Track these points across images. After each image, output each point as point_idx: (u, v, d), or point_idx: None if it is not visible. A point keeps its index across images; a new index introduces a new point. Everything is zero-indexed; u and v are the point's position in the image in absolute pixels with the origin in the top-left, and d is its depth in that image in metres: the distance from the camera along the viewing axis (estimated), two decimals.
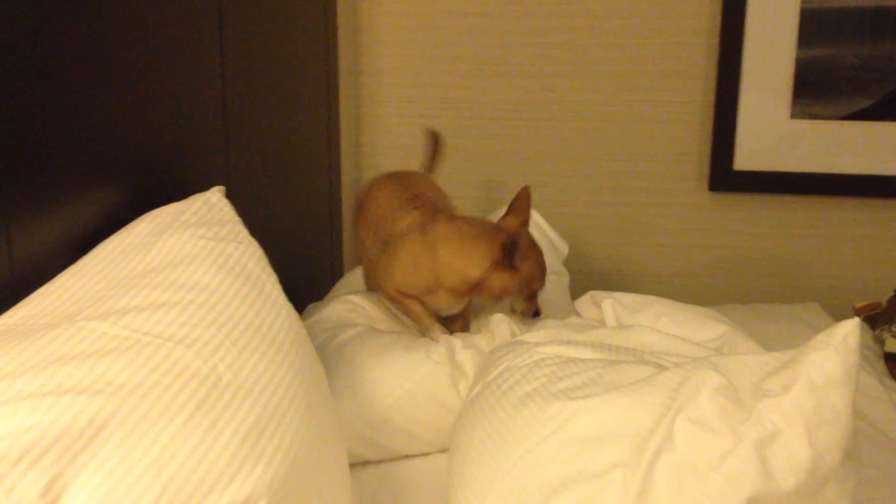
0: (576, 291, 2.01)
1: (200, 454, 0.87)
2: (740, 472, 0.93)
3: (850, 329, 0.95)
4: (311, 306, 1.80)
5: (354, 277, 1.94)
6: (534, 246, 1.57)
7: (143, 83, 1.30)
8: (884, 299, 2.06)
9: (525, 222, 1.61)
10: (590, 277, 2.36)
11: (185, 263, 1.09)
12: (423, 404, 1.47)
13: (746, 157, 2.29)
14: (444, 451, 1.46)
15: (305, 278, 2.00)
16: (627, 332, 1.35)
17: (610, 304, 1.50)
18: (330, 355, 1.53)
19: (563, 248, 2.12)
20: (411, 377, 1.47)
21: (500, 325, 1.55)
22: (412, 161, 2.39)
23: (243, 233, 1.22)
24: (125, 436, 0.84)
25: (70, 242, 1.13)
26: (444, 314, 1.65)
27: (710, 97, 2.29)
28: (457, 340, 1.54)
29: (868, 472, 1.19)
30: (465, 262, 1.54)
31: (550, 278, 1.88)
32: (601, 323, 1.51)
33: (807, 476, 0.92)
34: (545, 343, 1.29)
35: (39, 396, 0.82)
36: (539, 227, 2.05)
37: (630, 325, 1.41)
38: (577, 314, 1.62)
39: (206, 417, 0.90)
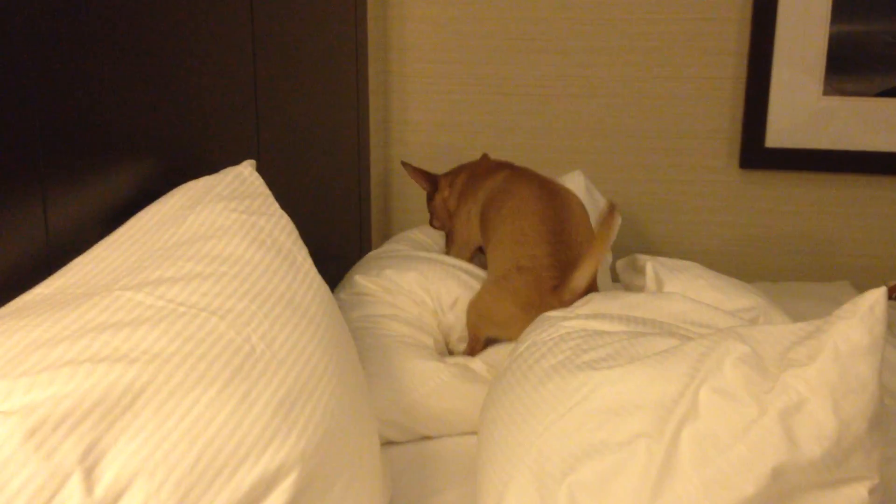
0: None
1: (234, 423, 0.89)
2: (765, 442, 0.92)
3: (876, 298, 0.94)
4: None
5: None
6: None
7: (176, 58, 1.31)
8: None
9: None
10: (620, 254, 2.36)
11: (217, 236, 1.10)
12: (461, 392, 1.49)
13: (778, 135, 2.28)
14: (471, 432, 1.48)
15: (334, 252, 2.02)
16: (660, 300, 1.35)
17: (651, 266, 1.51)
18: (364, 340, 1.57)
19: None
20: (447, 370, 1.51)
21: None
22: (438, 136, 2.39)
23: (274, 206, 1.23)
24: (161, 403, 0.85)
25: (105, 214, 1.14)
26: None
27: (742, 74, 2.27)
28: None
29: (893, 449, 1.19)
30: None
31: None
32: (639, 288, 1.53)
33: (832, 445, 0.92)
34: (571, 317, 1.29)
35: (77, 364, 0.83)
36: (593, 198, 2.05)
37: (663, 293, 1.41)
38: (617, 278, 1.64)
39: (240, 387, 0.92)
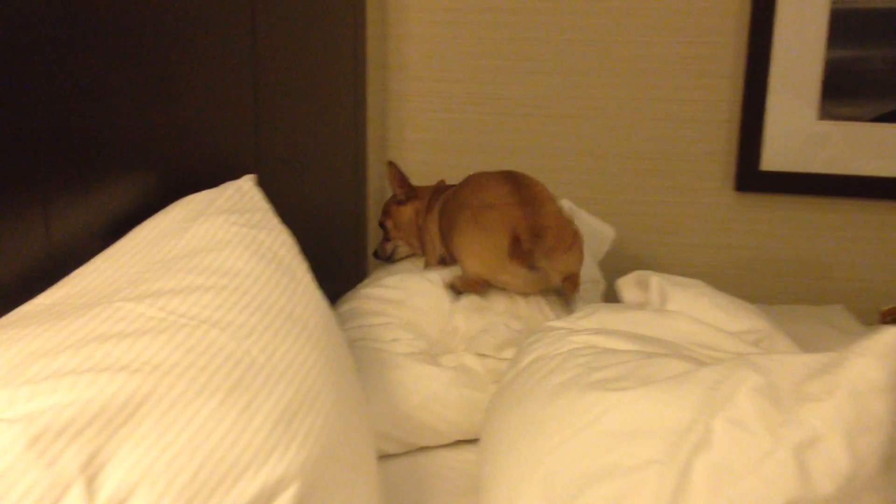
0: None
1: (235, 434, 0.88)
2: (778, 476, 0.91)
3: (894, 336, 0.95)
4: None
5: None
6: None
7: (177, 73, 1.31)
8: None
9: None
10: (614, 276, 2.36)
11: (218, 249, 1.10)
12: (453, 402, 1.49)
13: (773, 158, 2.29)
14: (465, 440, 1.49)
15: (331, 267, 2.02)
16: (666, 318, 1.34)
17: (657, 280, 1.51)
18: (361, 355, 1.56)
19: (608, 232, 2.14)
20: (438, 378, 1.51)
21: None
22: (435, 155, 2.40)
23: (274, 220, 1.24)
24: (162, 414, 0.85)
25: (106, 226, 1.15)
26: None
27: (738, 97, 2.28)
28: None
29: None
30: None
31: (585, 286, 1.89)
32: (640, 305, 1.52)
33: (845, 483, 0.91)
34: (578, 331, 1.29)
35: (79, 373, 0.83)
36: (580, 218, 2.07)
37: (668, 312, 1.40)
38: (619, 295, 1.64)
39: (241, 399, 0.91)
